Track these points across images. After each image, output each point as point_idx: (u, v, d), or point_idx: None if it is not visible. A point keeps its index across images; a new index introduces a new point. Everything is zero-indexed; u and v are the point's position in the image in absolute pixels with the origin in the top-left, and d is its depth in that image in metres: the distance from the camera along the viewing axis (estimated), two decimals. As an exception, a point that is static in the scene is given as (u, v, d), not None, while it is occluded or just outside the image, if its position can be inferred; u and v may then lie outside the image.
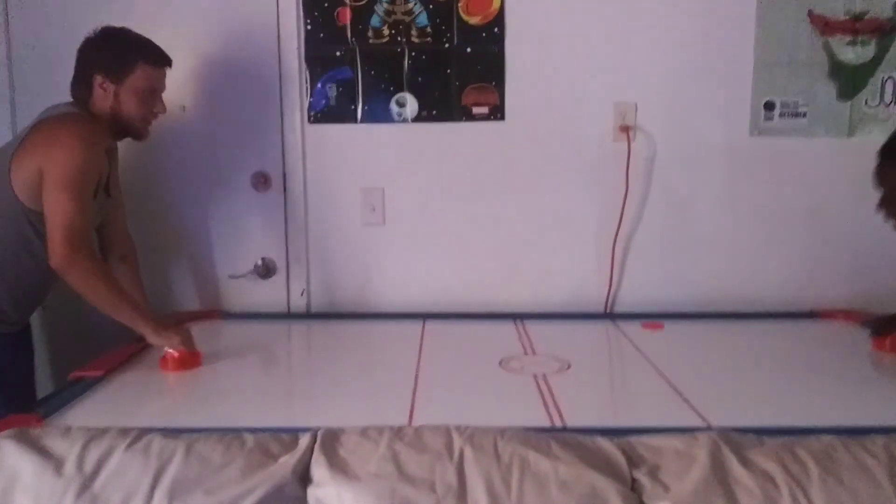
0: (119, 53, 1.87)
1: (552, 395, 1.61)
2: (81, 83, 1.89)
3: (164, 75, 1.95)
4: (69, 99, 1.91)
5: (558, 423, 1.45)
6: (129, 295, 1.89)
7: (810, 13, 2.26)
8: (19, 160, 1.79)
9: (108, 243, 2.07)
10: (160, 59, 1.92)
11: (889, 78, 2.30)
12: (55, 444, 1.30)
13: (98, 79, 1.86)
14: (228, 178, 2.35)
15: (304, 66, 2.30)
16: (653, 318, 2.28)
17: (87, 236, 1.78)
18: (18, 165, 1.79)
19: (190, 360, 1.82)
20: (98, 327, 2.06)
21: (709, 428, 1.36)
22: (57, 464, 1.26)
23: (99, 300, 1.77)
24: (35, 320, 2.09)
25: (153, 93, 1.92)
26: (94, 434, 1.31)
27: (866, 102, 2.31)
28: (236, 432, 1.33)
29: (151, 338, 1.83)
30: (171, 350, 1.80)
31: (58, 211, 1.73)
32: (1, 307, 1.88)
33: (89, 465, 1.26)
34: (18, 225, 1.82)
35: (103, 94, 1.87)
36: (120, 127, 1.91)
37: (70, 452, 1.28)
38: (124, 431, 1.32)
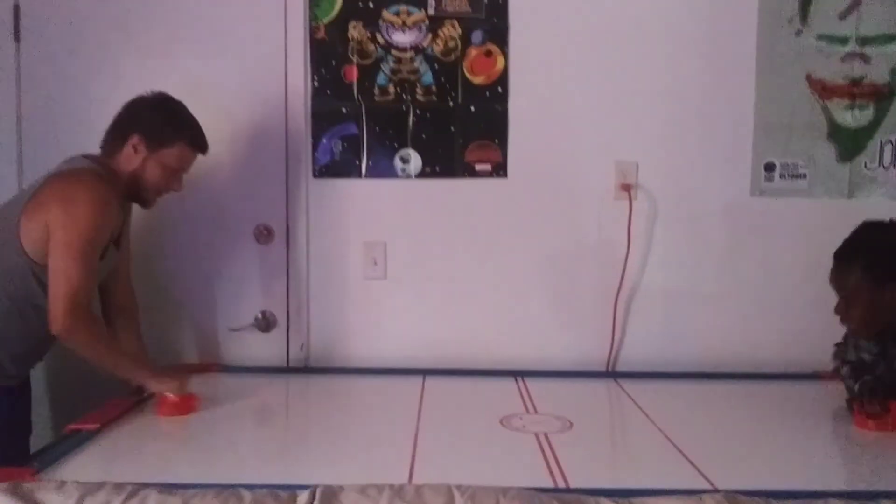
0: (165, 123, 1.87)
1: (554, 454, 1.59)
2: (116, 136, 1.88)
3: (195, 159, 1.95)
4: (78, 153, 1.90)
5: (561, 484, 1.42)
6: (126, 350, 1.90)
7: (809, 77, 2.30)
8: (29, 214, 1.76)
9: (110, 294, 2.05)
10: (200, 144, 1.92)
11: (888, 142, 2.33)
12: (49, 498, 1.27)
13: (134, 139, 1.85)
14: (232, 230, 2.36)
15: (310, 121, 2.33)
16: (655, 377, 2.27)
17: (89, 302, 1.76)
18: (28, 219, 1.76)
19: (186, 404, 1.83)
20: (99, 380, 2.07)
21: (715, 490, 1.34)
22: (50, 519, 1.24)
23: (99, 361, 1.81)
24: (36, 372, 2.07)
25: (178, 171, 1.92)
26: (90, 489, 1.29)
27: (865, 165, 2.33)
28: (233, 488, 1.31)
29: (149, 384, 1.84)
30: (168, 394, 1.81)
31: (61, 275, 1.71)
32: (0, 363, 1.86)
33: (83, 521, 1.23)
34: (25, 280, 1.79)
35: (132, 155, 1.86)
36: (133, 189, 1.90)
37: (64, 507, 1.25)
38: (119, 487, 1.30)
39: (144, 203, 1.95)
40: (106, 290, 2.03)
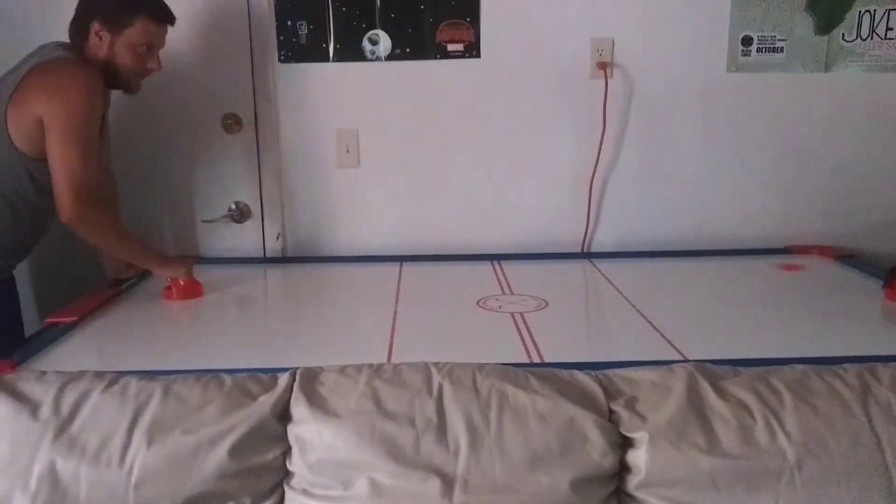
0: (120, 4, 1.81)
1: (530, 332, 1.62)
2: (78, 27, 1.83)
3: (164, 32, 1.89)
4: (54, 39, 1.84)
5: (536, 359, 1.46)
6: (134, 234, 1.92)
7: (788, -55, 2.22)
8: (16, 107, 1.73)
9: None
10: (163, 16, 1.86)
11: (866, 12, 2.28)
12: (30, 388, 1.29)
13: (95, 26, 1.80)
14: (199, 120, 2.30)
15: (273, 3, 2.23)
16: (629, 256, 2.30)
17: (94, 187, 1.75)
18: (16, 113, 1.73)
19: (193, 289, 1.92)
20: (82, 276, 2.09)
21: (685, 360, 1.38)
22: (33, 407, 1.25)
23: (109, 247, 1.91)
24: (21, 274, 2.05)
25: (150, 48, 1.86)
26: (70, 378, 1.30)
27: (843, 37, 2.29)
28: (214, 373, 1.33)
29: (158, 269, 1.92)
30: (178, 279, 1.90)
31: (64, 164, 1.70)
32: None
33: (66, 408, 1.25)
34: (15, 173, 1.77)
35: (98, 43, 1.81)
36: (111, 77, 1.85)
37: (46, 396, 1.27)
38: (100, 374, 1.32)
39: (128, 88, 1.90)
40: None
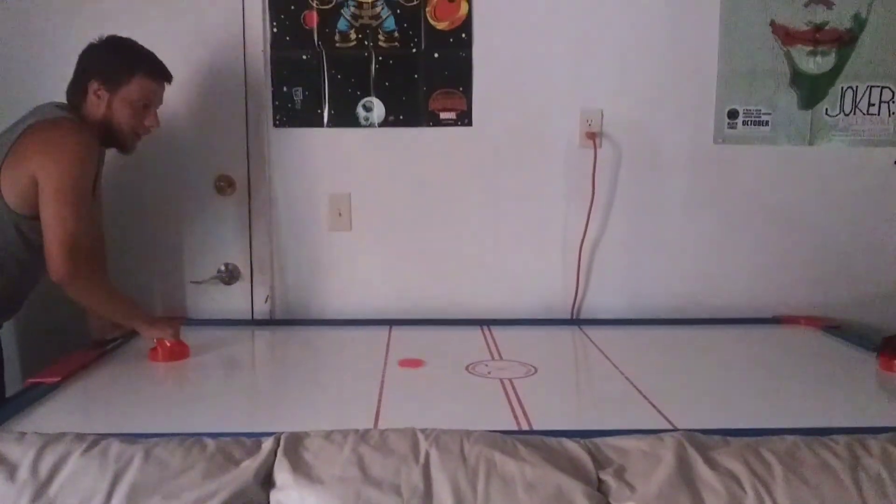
0: (118, 62, 1.85)
1: (519, 398, 1.60)
2: (77, 87, 1.86)
3: (162, 90, 1.92)
4: (50, 100, 1.88)
5: (525, 426, 1.44)
6: (122, 294, 1.92)
7: (773, 23, 2.29)
8: (11, 166, 1.74)
9: None
10: (159, 74, 1.90)
11: (848, 88, 2.34)
12: (8, 449, 1.26)
13: (94, 85, 1.83)
14: (192, 181, 2.31)
15: (269, 69, 2.28)
16: (619, 323, 2.30)
17: (85, 247, 1.76)
18: (10, 172, 1.74)
19: (180, 350, 1.91)
20: (67, 338, 2.08)
21: (674, 429, 1.36)
22: (10, 469, 1.22)
23: (98, 306, 1.89)
24: (8, 332, 2.04)
25: (147, 106, 1.89)
26: (50, 439, 1.28)
27: (827, 112, 2.35)
28: (197, 437, 1.30)
29: (146, 330, 1.90)
30: (164, 340, 1.89)
31: (57, 224, 1.71)
32: None
33: (44, 471, 1.22)
34: (4, 231, 1.77)
35: (96, 102, 1.84)
36: (109, 136, 1.88)
37: (24, 458, 1.24)
38: (80, 436, 1.29)
39: (124, 148, 1.92)
40: None
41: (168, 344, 1.89)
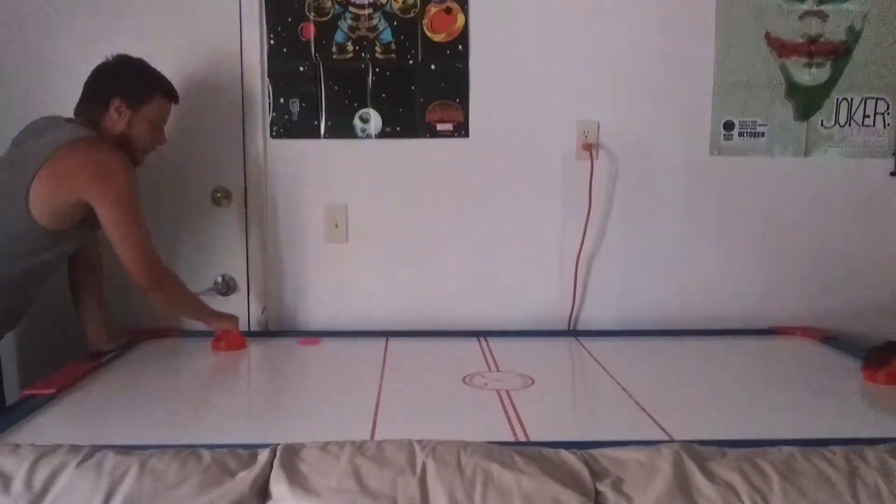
0: (141, 82, 1.95)
1: (516, 410, 1.60)
2: (96, 104, 1.92)
3: (171, 109, 2.03)
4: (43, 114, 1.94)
5: (522, 438, 1.44)
6: (192, 293, 2.12)
7: (767, 35, 2.31)
8: (47, 185, 1.77)
9: (83, 253, 2.07)
10: (174, 93, 2.01)
11: (843, 100, 2.35)
12: (3, 461, 1.25)
13: (116, 102, 1.90)
14: (189, 192, 2.32)
15: (266, 80, 2.29)
16: (616, 334, 2.30)
17: (156, 254, 1.93)
18: (46, 189, 1.77)
19: (240, 341, 2.12)
20: (70, 348, 2.07)
21: (671, 441, 1.36)
22: (4, 482, 1.21)
23: (178, 308, 2.14)
24: (8, 343, 2.04)
25: (161, 124, 1.99)
26: (44, 451, 1.27)
27: (822, 123, 2.36)
28: (193, 448, 1.30)
29: (215, 322, 2.12)
30: (229, 331, 2.10)
31: (130, 242, 1.85)
32: None
33: (38, 483, 1.21)
34: (25, 243, 1.80)
35: (117, 118, 1.91)
36: (123, 150, 1.91)
37: (18, 470, 1.23)
38: (75, 448, 1.28)
39: (135, 161, 1.96)
40: (81, 249, 2.04)
41: (231, 335, 2.09)
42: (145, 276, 1.88)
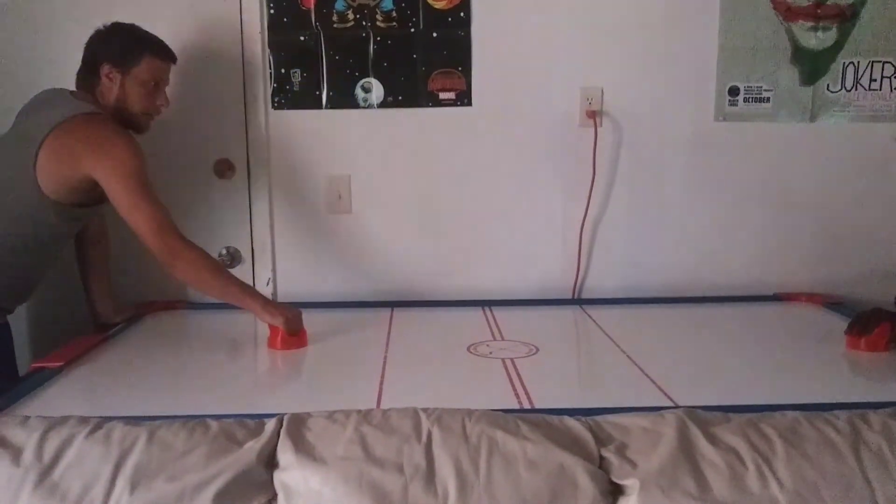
0: (127, 44, 1.91)
1: (520, 378, 1.61)
2: (89, 72, 1.91)
3: (168, 70, 1.98)
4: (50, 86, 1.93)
5: (526, 405, 1.45)
6: (233, 275, 1.91)
7: (773, -1, 2.28)
8: (52, 159, 1.77)
9: (88, 226, 2.07)
10: (166, 54, 1.96)
11: (850, 64, 2.32)
12: (12, 433, 1.27)
13: (105, 68, 1.89)
14: (191, 165, 2.31)
15: (267, 51, 2.27)
16: (620, 302, 2.30)
17: (174, 225, 1.81)
18: (51, 164, 1.77)
19: (296, 339, 1.85)
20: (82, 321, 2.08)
21: (675, 406, 1.37)
22: (14, 453, 1.23)
23: (207, 287, 1.85)
24: (20, 317, 2.04)
25: (157, 86, 1.95)
26: (54, 423, 1.28)
27: (828, 87, 2.33)
28: (200, 418, 1.31)
29: (260, 315, 1.86)
30: (281, 328, 1.83)
31: (141, 216, 1.78)
32: None
33: (48, 454, 1.23)
34: (35, 216, 1.81)
35: (109, 84, 1.90)
36: (123, 119, 1.92)
37: (28, 441, 1.25)
38: (84, 420, 1.30)
39: (139, 128, 1.96)
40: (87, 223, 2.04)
41: (284, 331, 1.84)
42: (159, 248, 1.78)
